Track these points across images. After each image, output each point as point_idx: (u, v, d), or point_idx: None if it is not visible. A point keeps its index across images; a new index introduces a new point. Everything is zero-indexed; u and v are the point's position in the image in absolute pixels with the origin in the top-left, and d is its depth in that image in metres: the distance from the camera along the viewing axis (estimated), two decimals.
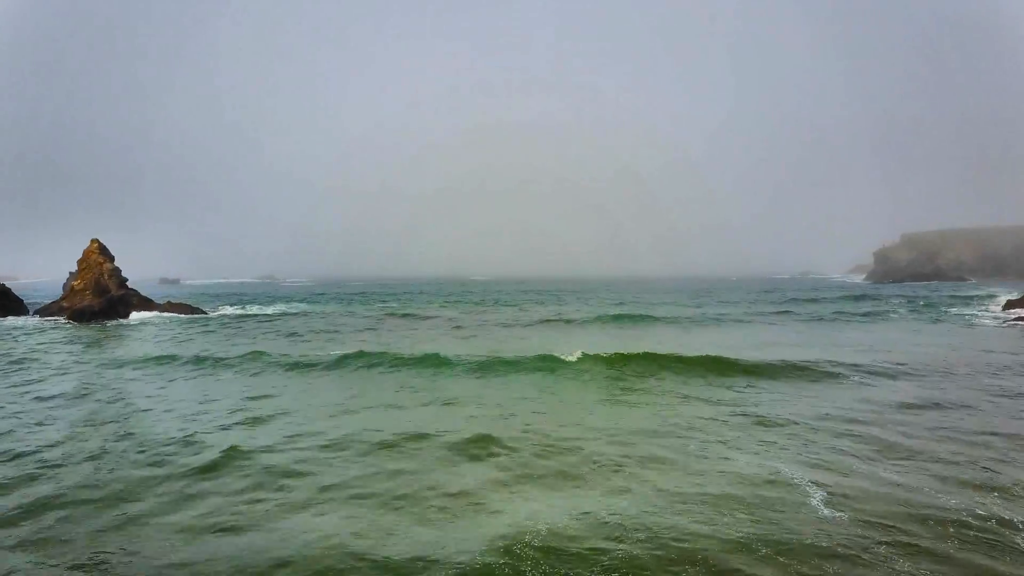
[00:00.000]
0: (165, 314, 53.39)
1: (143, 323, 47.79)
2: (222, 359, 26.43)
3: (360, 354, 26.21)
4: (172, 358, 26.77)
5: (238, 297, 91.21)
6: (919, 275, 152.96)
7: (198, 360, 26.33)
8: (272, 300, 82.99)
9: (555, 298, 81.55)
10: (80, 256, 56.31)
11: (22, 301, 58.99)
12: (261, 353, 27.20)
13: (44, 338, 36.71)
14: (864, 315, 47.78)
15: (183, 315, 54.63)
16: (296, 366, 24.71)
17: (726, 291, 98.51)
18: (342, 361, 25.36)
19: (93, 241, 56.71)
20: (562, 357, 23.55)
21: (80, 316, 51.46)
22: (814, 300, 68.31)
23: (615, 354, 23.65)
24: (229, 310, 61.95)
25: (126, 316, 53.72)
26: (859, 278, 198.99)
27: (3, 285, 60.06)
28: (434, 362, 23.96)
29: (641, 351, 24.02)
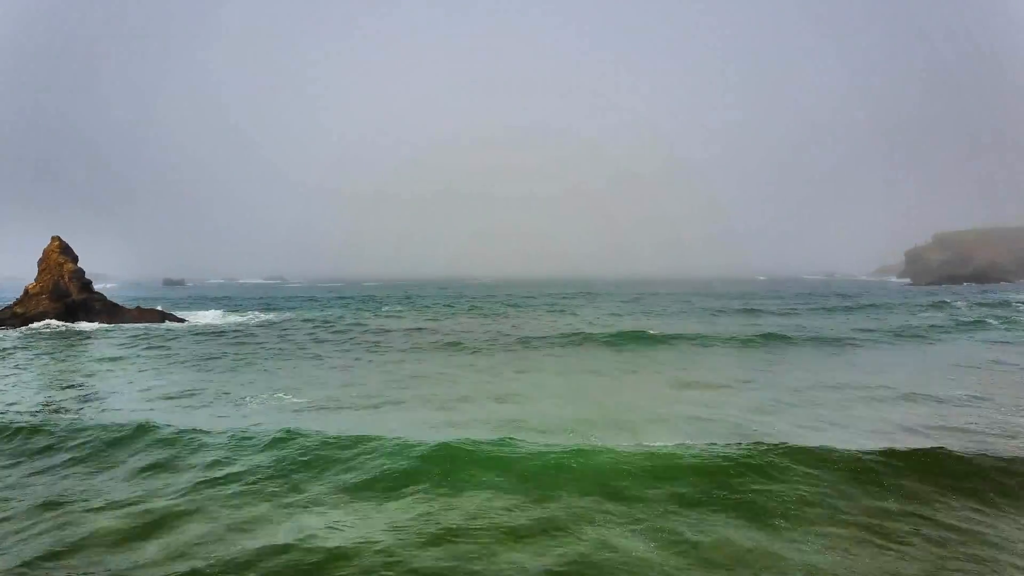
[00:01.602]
0: (126, 325, 46.18)
1: (91, 335, 40.60)
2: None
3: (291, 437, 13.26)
4: None
5: (230, 301, 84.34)
6: (955, 276, 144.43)
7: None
8: (270, 304, 75.92)
9: (584, 300, 73.99)
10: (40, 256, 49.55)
11: None
12: (151, 427, 14.46)
13: None
14: (958, 326, 39.70)
15: (152, 323, 47.49)
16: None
17: (766, 295, 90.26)
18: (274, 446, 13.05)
19: (54, 239, 49.76)
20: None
21: (29, 323, 44.52)
22: (874, 305, 60.18)
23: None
24: (210, 317, 54.77)
25: (90, 321, 46.78)
26: (891, 279, 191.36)
27: None
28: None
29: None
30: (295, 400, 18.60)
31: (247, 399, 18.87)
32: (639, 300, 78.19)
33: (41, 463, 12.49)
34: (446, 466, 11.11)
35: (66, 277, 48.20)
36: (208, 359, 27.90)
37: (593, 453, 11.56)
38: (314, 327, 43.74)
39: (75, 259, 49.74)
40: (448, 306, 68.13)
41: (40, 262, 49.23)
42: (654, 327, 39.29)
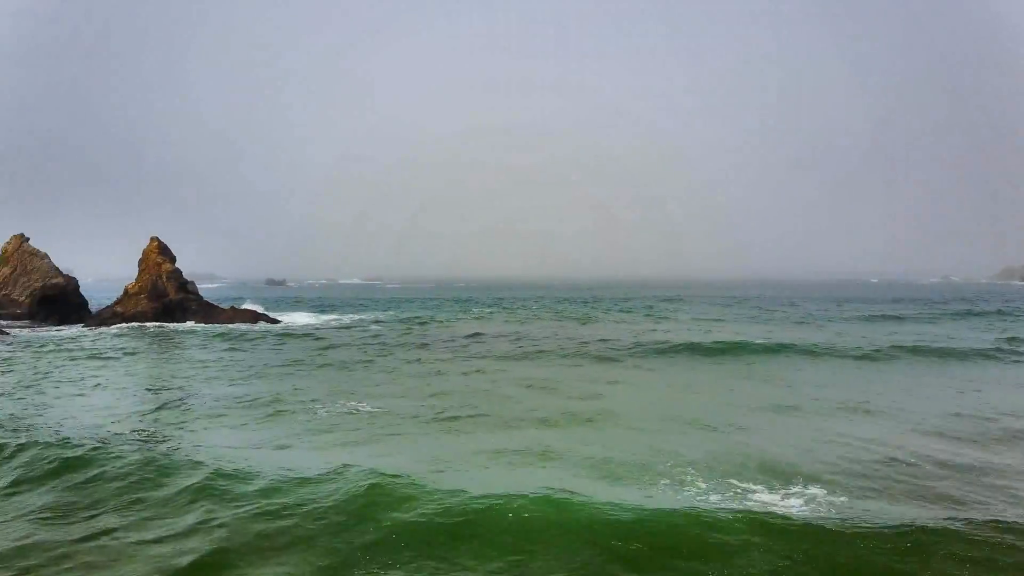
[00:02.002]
0: (219, 326, 46.09)
1: (189, 332, 40.40)
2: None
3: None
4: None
5: (322, 301, 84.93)
6: None
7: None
8: (363, 305, 75.80)
9: (677, 304, 69.70)
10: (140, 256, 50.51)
11: (85, 304, 54.03)
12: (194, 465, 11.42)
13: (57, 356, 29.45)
14: None
15: (244, 324, 47.28)
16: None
17: (884, 299, 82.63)
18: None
19: (152, 239, 50.63)
20: None
21: (130, 322, 45.16)
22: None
23: None
24: (303, 318, 54.43)
25: (185, 321, 47.12)
26: (1015, 283, 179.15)
27: (66, 282, 55.35)
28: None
29: None
30: (372, 416, 16.32)
31: (321, 410, 16.81)
32: (740, 303, 73.01)
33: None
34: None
35: (164, 277, 48.82)
36: (290, 364, 26.35)
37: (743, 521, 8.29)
38: (402, 331, 42.17)
39: (172, 259, 50.39)
40: (530, 307, 65.65)
41: (140, 262, 50.14)
42: (788, 336, 34.99)
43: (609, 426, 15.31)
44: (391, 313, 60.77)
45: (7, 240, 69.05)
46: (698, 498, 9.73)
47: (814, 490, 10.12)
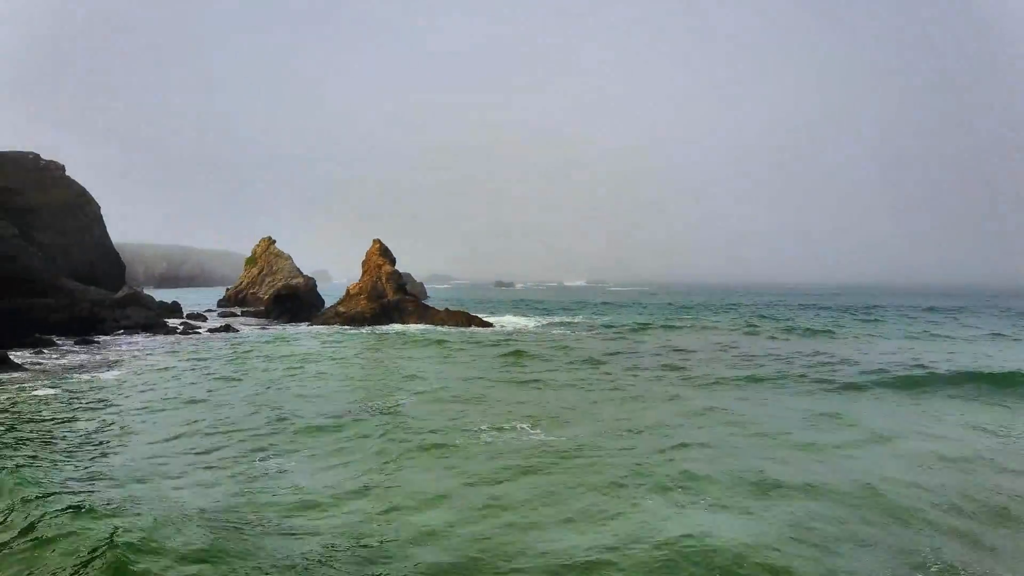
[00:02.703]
0: (431, 327, 44.73)
1: (399, 334, 39.13)
2: None
3: None
4: None
5: (540, 305, 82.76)
6: None
7: None
8: (576, 309, 72.36)
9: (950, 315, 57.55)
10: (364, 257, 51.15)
11: (319, 303, 56.32)
12: None
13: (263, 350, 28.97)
14: None
15: (456, 327, 45.59)
16: None
17: None
18: None
19: (375, 242, 50.99)
20: None
21: (352, 323, 45.39)
22: None
23: None
24: (515, 322, 51.93)
25: (402, 322, 46.64)
26: None
27: (304, 282, 57.95)
28: None
29: None
30: (559, 444, 12.16)
31: (489, 432, 12.94)
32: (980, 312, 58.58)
33: None
34: None
35: (383, 279, 48.78)
36: (485, 374, 23.00)
37: None
38: (607, 335, 37.62)
39: (393, 261, 50.32)
40: (741, 312, 57.54)
41: (363, 264, 50.71)
42: None
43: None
44: (605, 318, 56.44)
45: (257, 243, 75.46)
46: None
47: None
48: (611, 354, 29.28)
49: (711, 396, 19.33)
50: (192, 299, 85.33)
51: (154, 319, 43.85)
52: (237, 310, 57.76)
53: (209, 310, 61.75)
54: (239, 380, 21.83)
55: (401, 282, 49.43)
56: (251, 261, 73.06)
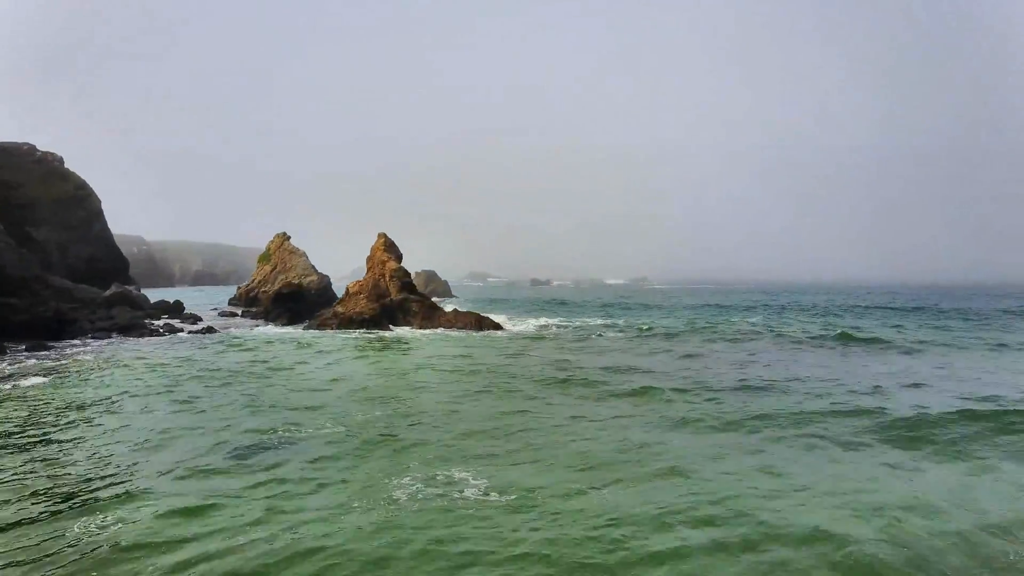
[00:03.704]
0: (438, 331, 40.79)
1: (383, 339, 35.24)
2: None
3: None
4: None
5: (564, 307, 78.25)
6: None
7: None
8: (610, 310, 67.78)
9: None
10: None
11: (332, 301, 52.82)
12: None
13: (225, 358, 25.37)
14: None
15: (465, 329, 41.56)
16: None
17: None
18: None
19: (379, 236, 47.28)
20: None
21: (348, 325, 41.70)
22: None
23: None
24: (531, 326, 47.64)
25: (407, 325, 42.81)
26: None
27: (318, 280, 54.73)
28: None
29: None
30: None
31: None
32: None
33: None
34: None
35: (387, 276, 45.00)
36: (459, 400, 18.85)
37: None
38: (631, 341, 33.04)
39: (399, 257, 46.53)
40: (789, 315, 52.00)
41: (367, 259, 47.09)
42: None
43: None
44: (639, 319, 51.70)
45: (271, 239, 72.69)
46: None
47: None
48: (622, 371, 24.71)
49: (748, 443, 14.73)
50: (220, 297, 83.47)
51: (139, 319, 40.93)
52: (238, 310, 54.79)
53: (213, 308, 59.07)
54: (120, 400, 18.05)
55: (407, 280, 45.53)
56: (264, 258, 70.23)
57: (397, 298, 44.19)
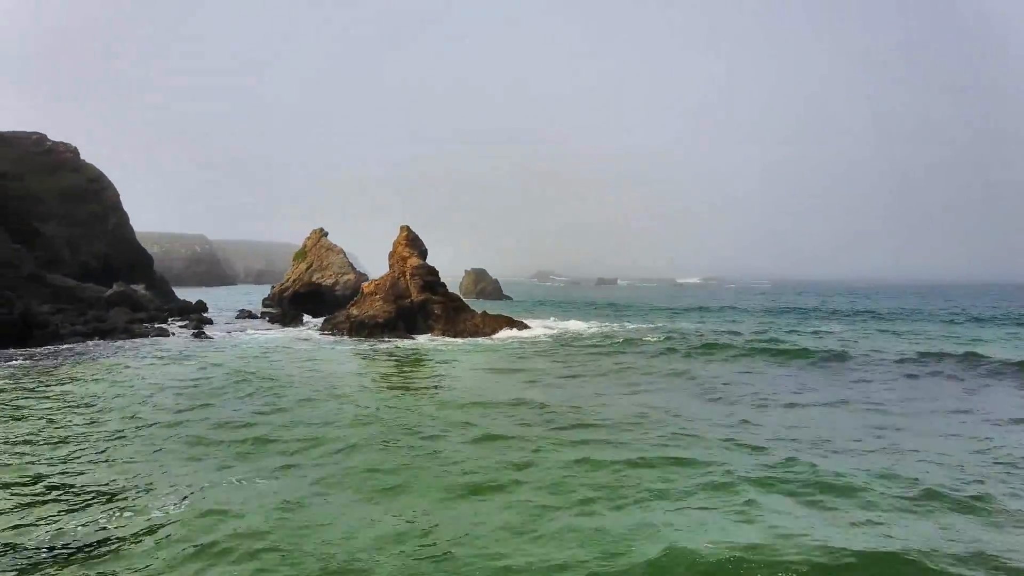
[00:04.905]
0: (457, 340, 35.42)
1: (416, 355, 29.94)
2: None
3: None
4: None
5: (614, 309, 71.76)
6: None
7: None
8: (675, 313, 61.10)
9: None
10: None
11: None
12: None
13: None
14: None
15: (494, 334, 36.02)
16: None
17: None
18: None
19: (402, 229, 42.21)
20: None
21: (359, 331, 36.72)
22: None
23: None
24: (573, 326, 41.65)
25: (427, 329, 37.55)
26: None
27: (356, 279, 50.29)
28: None
29: None
30: None
31: None
32: None
33: None
34: None
35: (407, 274, 39.79)
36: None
37: None
38: (681, 355, 26.75)
39: (422, 253, 41.32)
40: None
41: (389, 255, 42.11)
42: None
43: None
44: (701, 323, 44.94)
45: (308, 235, 68.97)
46: None
47: None
48: (641, 417, 18.54)
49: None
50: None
51: (135, 321, 37.20)
52: (258, 310, 50.77)
53: (247, 307, 55.53)
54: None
55: (430, 279, 40.14)
56: (300, 255, 66.48)
57: (417, 299, 38.95)
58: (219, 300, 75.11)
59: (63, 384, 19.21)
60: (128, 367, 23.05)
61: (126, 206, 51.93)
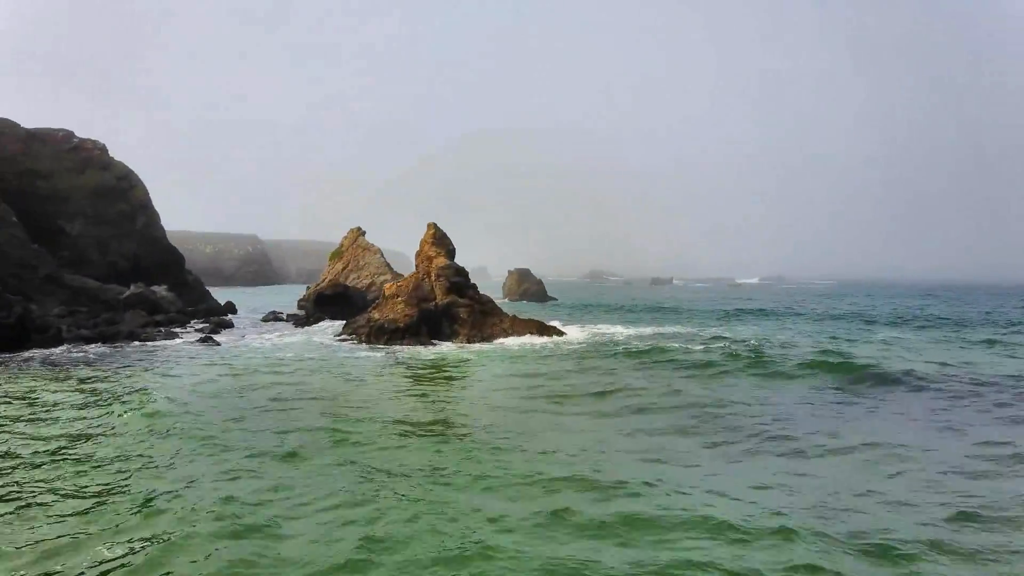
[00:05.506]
0: (484, 346, 32.63)
1: (436, 367, 27.30)
2: None
3: None
4: None
5: (662, 311, 67.97)
6: None
7: None
8: (730, 316, 57.24)
9: None
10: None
11: None
12: None
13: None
14: None
15: (525, 338, 33.17)
16: None
17: None
18: None
19: (429, 226, 39.70)
20: None
21: (379, 336, 34.30)
22: None
23: None
24: (617, 329, 38.38)
25: (451, 334, 34.85)
26: None
27: (388, 279, 48.31)
28: None
29: None
30: None
31: None
32: None
33: None
34: None
35: (432, 275, 37.19)
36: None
37: None
38: (715, 372, 23.26)
39: (450, 252, 38.70)
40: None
41: (416, 255, 39.63)
42: None
43: None
44: (740, 333, 41.07)
45: (345, 234, 67.31)
46: None
47: None
48: (661, 470, 15.33)
49: None
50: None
51: (149, 324, 35.75)
52: (284, 313, 48.98)
53: (282, 308, 54.09)
54: None
55: (457, 279, 37.39)
56: (336, 255, 64.86)
57: (442, 302, 36.30)
58: (261, 301, 74.38)
59: None
60: (52, 392, 20.79)
61: (186, 208, 51.31)
